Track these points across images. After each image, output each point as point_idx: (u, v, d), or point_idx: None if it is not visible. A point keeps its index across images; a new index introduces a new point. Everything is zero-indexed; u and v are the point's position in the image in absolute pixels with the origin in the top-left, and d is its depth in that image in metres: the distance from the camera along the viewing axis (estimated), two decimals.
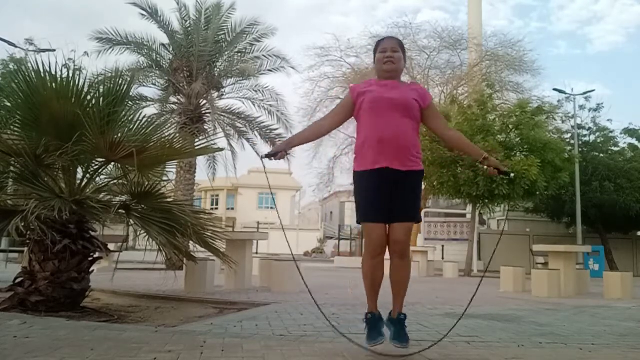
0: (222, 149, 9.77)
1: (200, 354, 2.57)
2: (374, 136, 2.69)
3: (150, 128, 4.79)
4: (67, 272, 4.25)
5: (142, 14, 12.05)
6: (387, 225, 2.69)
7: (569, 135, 19.71)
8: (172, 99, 12.48)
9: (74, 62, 4.50)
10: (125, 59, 13.44)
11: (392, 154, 2.65)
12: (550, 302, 6.27)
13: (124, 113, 4.73)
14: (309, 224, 42.04)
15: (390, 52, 2.79)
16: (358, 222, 2.81)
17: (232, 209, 43.17)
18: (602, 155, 19.70)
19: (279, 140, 12.72)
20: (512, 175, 2.89)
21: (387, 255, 2.73)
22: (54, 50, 4.55)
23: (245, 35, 12.72)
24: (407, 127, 2.71)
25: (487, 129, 14.16)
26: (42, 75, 4.21)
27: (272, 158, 2.74)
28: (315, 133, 2.97)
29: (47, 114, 4.25)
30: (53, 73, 4.21)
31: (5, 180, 4.49)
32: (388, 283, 2.79)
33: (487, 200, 14.62)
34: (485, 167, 2.75)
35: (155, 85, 12.45)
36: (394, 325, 2.69)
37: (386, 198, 2.66)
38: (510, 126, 14.59)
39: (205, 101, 12.14)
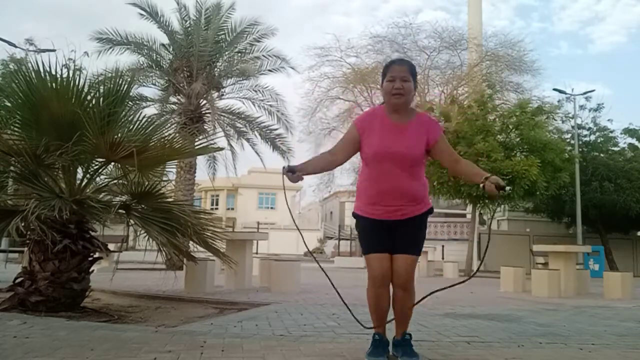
0: (222, 149, 9.76)
1: (200, 354, 2.57)
2: (375, 188, 2.62)
3: (150, 128, 4.79)
4: (67, 272, 4.25)
5: (142, 14, 12.05)
6: (390, 256, 2.63)
7: (569, 135, 19.72)
8: (172, 99, 12.48)
9: (74, 62, 4.48)
10: (125, 59, 13.44)
11: (394, 209, 2.59)
12: (550, 302, 6.27)
13: (124, 113, 4.72)
14: (309, 224, 42.00)
15: (399, 82, 2.55)
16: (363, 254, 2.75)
17: (232, 209, 43.16)
18: (602, 155, 19.71)
19: (279, 141, 12.74)
20: (507, 188, 2.70)
21: None
22: (54, 50, 4.54)
23: (245, 36, 12.73)
24: (412, 179, 2.61)
25: (487, 129, 14.17)
26: (42, 75, 4.21)
27: (284, 173, 2.58)
28: (325, 167, 2.86)
29: (47, 114, 4.24)
30: (53, 73, 4.21)
31: (5, 180, 4.48)
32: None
33: (487, 200, 14.62)
34: (487, 186, 2.48)
35: (155, 85, 12.47)
36: (401, 345, 2.62)
37: (389, 239, 2.63)
38: (510, 126, 14.59)
39: (205, 101, 12.14)
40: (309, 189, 47.68)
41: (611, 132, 20.19)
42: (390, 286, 2.66)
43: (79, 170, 4.73)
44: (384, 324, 2.69)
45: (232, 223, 30.00)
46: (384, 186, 2.60)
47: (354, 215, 2.78)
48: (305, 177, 2.68)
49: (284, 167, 2.59)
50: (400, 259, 2.61)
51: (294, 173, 2.58)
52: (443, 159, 2.72)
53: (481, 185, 2.53)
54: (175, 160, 7.86)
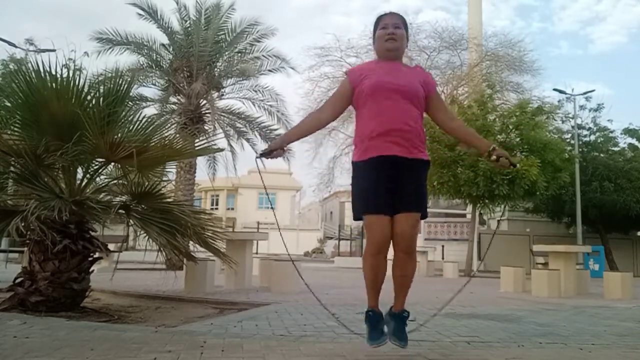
0: (222, 149, 9.77)
1: (200, 354, 2.57)
2: (376, 125, 2.47)
3: (150, 128, 4.79)
4: (67, 272, 4.25)
5: (140, 14, 12.05)
6: (391, 219, 2.45)
7: (569, 135, 19.73)
8: (172, 99, 12.48)
9: (74, 62, 4.48)
10: (125, 59, 13.45)
11: (396, 142, 2.45)
12: (550, 302, 6.26)
13: (124, 113, 4.72)
14: (309, 224, 42.03)
15: (392, 28, 2.54)
16: (356, 217, 2.53)
17: (232, 209, 43.16)
18: (602, 155, 19.72)
19: None
20: (517, 165, 2.69)
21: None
22: (54, 50, 4.54)
23: (245, 36, 12.73)
24: (412, 114, 2.49)
25: (487, 129, 14.16)
26: (42, 75, 4.21)
27: (268, 157, 2.54)
28: (313, 126, 2.71)
29: (47, 114, 4.24)
30: (53, 73, 4.21)
31: (5, 181, 4.48)
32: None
33: (487, 200, 14.62)
34: (494, 157, 2.53)
35: (155, 85, 12.47)
36: (395, 320, 2.52)
37: (390, 187, 2.44)
38: (510, 126, 14.59)
39: (205, 101, 12.14)
40: (309, 189, 47.70)
41: (611, 132, 20.21)
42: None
43: (79, 170, 4.72)
44: (378, 298, 2.56)
45: (232, 223, 30.00)
46: (387, 116, 2.46)
47: (354, 166, 2.59)
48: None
49: (256, 157, 2.57)
50: (404, 218, 2.44)
51: (270, 154, 2.52)
52: (438, 112, 2.68)
53: (490, 157, 2.55)
54: (175, 161, 7.86)
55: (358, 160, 2.55)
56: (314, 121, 2.72)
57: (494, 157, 2.55)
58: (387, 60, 2.60)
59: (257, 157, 2.58)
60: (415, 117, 2.52)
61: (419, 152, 2.53)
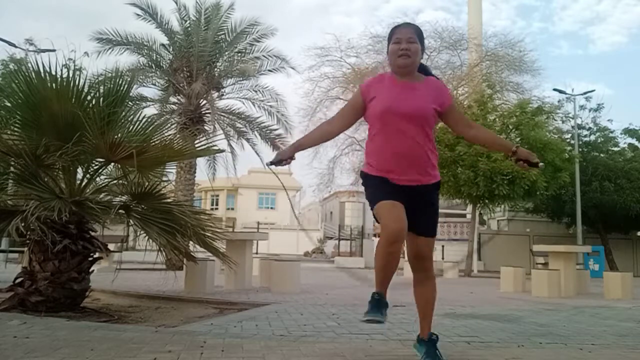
0: (222, 150, 9.78)
1: (200, 354, 2.57)
2: (385, 151, 2.46)
3: (150, 128, 4.79)
4: (67, 272, 4.25)
5: (138, 14, 12.03)
6: (409, 234, 2.44)
7: (569, 135, 19.73)
8: (172, 99, 12.49)
9: (74, 62, 4.48)
10: (125, 59, 13.44)
11: (405, 172, 2.44)
12: (550, 302, 6.27)
13: (124, 113, 4.72)
14: (309, 224, 42.01)
15: (405, 43, 2.44)
16: (374, 211, 2.45)
17: (232, 209, 43.14)
18: (602, 155, 19.73)
19: (279, 141, 12.71)
20: (541, 165, 2.49)
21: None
22: (54, 50, 4.54)
23: (245, 36, 12.74)
24: (422, 141, 2.45)
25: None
26: (42, 75, 4.21)
27: (277, 165, 2.54)
28: (323, 138, 2.73)
29: (47, 114, 4.24)
30: (53, 73, 4.21)
31: (5, 181, 4.48)
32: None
33: (487, 200, 14.62)
34: (514, 160, 2.49)
35: (155, 85, 12.48)
36: (427, 346, 2.50)
37: (405, 202, 2.40)
38: (510, 126, 14.60)
39: (205, 101, 12.14)
40: (309, 189, 47.65)
41: (611, 132, 20.24)
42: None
43: (79, 170, 4.72)
44: (387, 285, 2.38)
45: (232, 223, 29.98)
46: (396, 149, 2.43)
47: (362, 174, 2.57)
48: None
49: (267, 163, 2.54)
50: (423, 242, 2.51)
51: (281, 162, 2.51)
52: (455, 123, 2.62)
53: (513, 160, 2.50)
54: (175, 161, 7.86)
55: (369, 173, 2.54)
56: (324, 133, 2.69)
57: (514, 159, 2.52)
58: (400, 75, 2.52)
59: (267, 164, 2.58)
60: (424, 139, 2.48)
61: (430, 177, 2.51)
